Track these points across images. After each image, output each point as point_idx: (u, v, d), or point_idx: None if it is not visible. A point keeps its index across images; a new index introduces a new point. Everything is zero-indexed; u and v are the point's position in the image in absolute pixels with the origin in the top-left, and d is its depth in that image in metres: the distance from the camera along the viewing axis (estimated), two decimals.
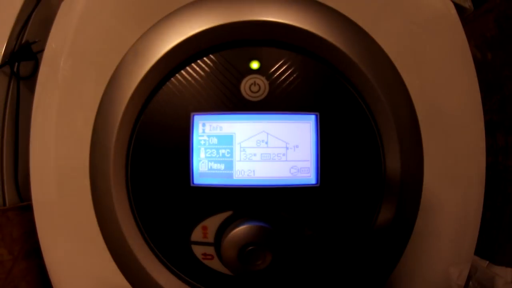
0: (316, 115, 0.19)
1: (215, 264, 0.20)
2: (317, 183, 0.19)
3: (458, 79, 0.23)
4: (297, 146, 0.19)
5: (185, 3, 0.21)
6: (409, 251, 0.22)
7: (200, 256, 0.20)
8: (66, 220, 0.24)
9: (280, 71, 0.20)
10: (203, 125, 0.19)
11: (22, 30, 0.35)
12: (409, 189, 0.21)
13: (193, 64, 0.20)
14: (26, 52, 0.35)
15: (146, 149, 0.20)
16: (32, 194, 0.25)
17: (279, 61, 0.20)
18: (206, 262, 0.20)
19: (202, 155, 0.19)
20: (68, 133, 0.23)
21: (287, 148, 0.19)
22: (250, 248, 0.18)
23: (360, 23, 0.22)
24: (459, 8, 0.26)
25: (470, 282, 0.36)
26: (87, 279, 0.24)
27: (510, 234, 0.37)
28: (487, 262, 0.37)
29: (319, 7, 0.21)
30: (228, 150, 0.19)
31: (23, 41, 0.36)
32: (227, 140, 0.19)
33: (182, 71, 0.20)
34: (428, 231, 0.23)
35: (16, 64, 0.35)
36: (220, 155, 0.19)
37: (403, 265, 0.22)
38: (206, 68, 0.20)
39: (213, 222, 0.20)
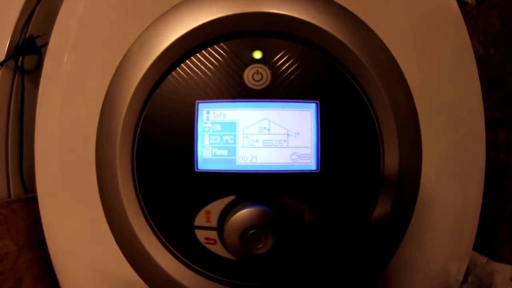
0: (317, 103, 0.20)
1: (218, 248, 0.21)
2: (317, 169, 0.20)
3: (459, 74, 0.24)
4: (298, 133, 0.20)
5: None
6: (406, 243, 0.23)
7: (203, 241, 0.21)
8: (70, 211, 0.24)
9: (282, 61, 0.20)
10: (207, 112, 0.20)
11: (26, 24, 0.36)
12: (407, 179, 0.22)
13: (197, 54, 0.21)
14: (30, 46, 0.36)
15: (152, 136, 0.20)
16: (37, 185, 0.25)
17: (281, 51, 0.20)
18: (209, 246, 0.21)
19: (206, 141, 0.20)
20: (72, 125, 0.24)
21: (288, 135, 0.20)
22: (252, 231, 0.19)
23: (361, 16, 0.22)
24: (461, 3, 0.26)
25: (469, 278, 0.36)
26: (91, 268, 0.24)
27: (510, 230, 0.37)
28: (487, 258, 0.38)
29: (332, 7, 0.22)
30: (232, 136, 0.20)
31: (27, 35, 0.36)
32: (230, 127, 0.20)
33: (187, 61, 0.21)
34: (426, 225, 0.23)
35: (21, 58, 0.35)
36: (224, 141, 0.20)
37: (400, 257, 0.23)
38: (211, 58, 0.20)
39: (216, 207, 0.20)
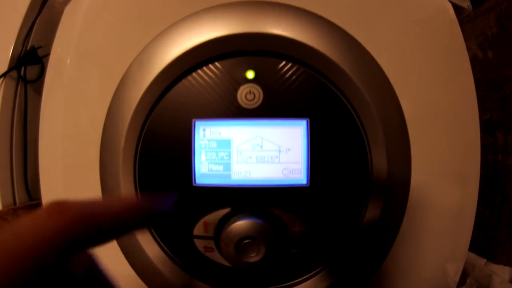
0: (307, 120, 0.21)
1: (215, 256, 0.22)
2: (307, 183, 0.21)
3: (454, 80, 0.24)
4: (289, 149, 0.21)
5: (185, 15, 0.23)
6: (397, 247, 0.24)
7: (201, 249, 0.22)
8: None
9: (274, 80, 0.21)
10: (204, 130, 0.21)
11: (27, 35, 0.37)
12: (395, 189, 0.23)
13: (193, 74, 0.22)
14: (33, 57, 0.37)
15: (152, 153, 0.22)
16: (41, 192, 0.26)
17: (273, 71, 0.21)
18: (207, 254, 0.22)
19: (203, 157, 0.21)
20: (74, 132, 0.25)
21: (280, 151, 0.21)
22: (246, 241, 0.20)
23: (352, 30, 0.23)
24: (457, 8, 0.26)
25: (468, 280, 0.37)
26: None
27: (508, 232, 0.38)
28: (485, 260, 0.38)
29: (310, 17, 0.23)
30: (227, 153, 0.21)
31: (28, 46, 0.37)
32: (225, 144, 0.21)
33: (184, 80, 0.22)
34: (418, 229, 0.24)
35: (23, 68, 0.36)
36: (219, 157, 0.21)
37: (392, 261, 0.24)
38: (206, 78, 0.22)
39: (213, 218, 0.21)
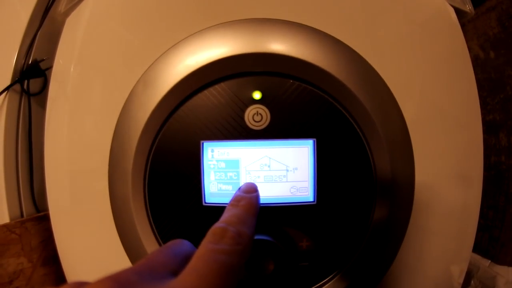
0: (314, 140, 0.21)
1: None
2: (314, 200, 0.22)
3: (457, 83, 0.25)
4: (296, 169, 0.22)
5: (189, 35, 0.23)
6: (402, 254, 0.24)
7: None
8: (82, 227, 0.26)
9: (280, 100, 0.22)
10: (212, 151, 0.22)
11: (29, 48, 0.37)
12: (399, 200, 0.23)
13: (200, 94, 0.22)
14: (35, 70, 0.37)
15: (162, 174, 0.22)
16: (48, 203, 0.27)
17: (280, 91, 0.22)
18: None
19: (212, 177, 0.22)
20: (79, 143, 0.25)
21: (287, 170, 0.22)
22: (255, 258, 0.21)
23: (355, 43, 0.23)
24: (459, 12, 0.26)
25: (472, 281, 0.37)
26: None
27: None
28: (489, 261, 0.38)
29: (314, 34, 0.23)
30: (235, 173, 0.22)
31: (31, 59, 0.37)
32: (233, 164, 0.22)
33: (190, 101, 0.22)
34: (422, 233, 0.24)
35: (26, 81, 0.36)
36: (228, 177, 0.22)
37: (397, 266, 0.24)
38: (212, 98, 0.22)
39: None
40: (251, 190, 0.19)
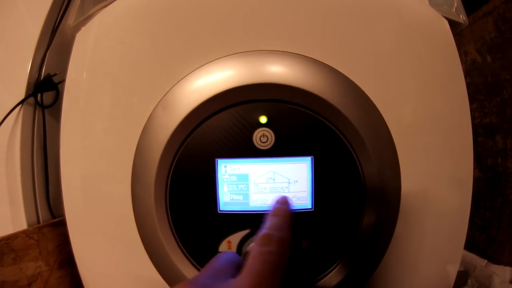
0: (312, 157, 0.25)
1: None
2: (312, 208, 0.26)
3: (449, 96, 0.27)
4: (296, 181, 0.26)
5: (200, 65, 0.26)
6: (389, 257, 0.26)
7: None
8: (102, 231, 0.28)
9: (283, 124, 0.25)
10: (225, 166, 0.25)
11: (41, 63, 0.39)
12: (387, 210, 0.27)
13: (214, 118, 0.25)
14: (48, 84, 0.39)
15: (181, 186, 0.26)
16: (65, 209, 0.29)
17: (283, 116, 0.25)
18: None
19: (225, 189, 0.25)
20: (92, 151, 0.28)
21: (289, 182, 0.26)
22: None
23: (351, 73, 0.26)
24: (453, 23, 0.27)
25: (469, 280, 0.38)
26: (120, 282, 0.29)
27: (509, 234, 0.39)
28: (486, 261, 0.39)
29: (313, 64, 0.26)
30: (245, 185, 0.25)
31: (43, 73, 0.39)
32: (244, 178, 0.25)
33: (205, 124, 0.25)
34: (410, 237, 0.26)
35: (40, 95, 0.38)
36: (239, 189, 0.25)
37: (387, 264, 0.27)
38: (225, 122, 0.25)
39: (235, 238, 0.26)
40: (286, 202, 0.23)
